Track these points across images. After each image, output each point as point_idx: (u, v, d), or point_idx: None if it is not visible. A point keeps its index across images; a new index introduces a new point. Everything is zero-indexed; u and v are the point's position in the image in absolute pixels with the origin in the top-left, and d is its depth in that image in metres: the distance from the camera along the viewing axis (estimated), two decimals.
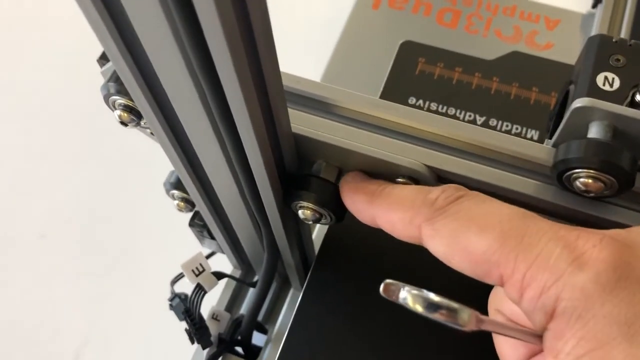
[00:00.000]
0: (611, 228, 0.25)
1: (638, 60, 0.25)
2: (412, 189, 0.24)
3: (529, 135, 0.42)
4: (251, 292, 0.41)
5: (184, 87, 0.20)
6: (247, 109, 0.20)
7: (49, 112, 0.69)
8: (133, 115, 0.26)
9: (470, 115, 0.43)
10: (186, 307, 0.33)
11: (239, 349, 0.38)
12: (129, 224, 0.62)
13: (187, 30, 0.17)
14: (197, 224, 0.37)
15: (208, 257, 0.35)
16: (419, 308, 0.20)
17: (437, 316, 0.20)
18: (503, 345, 0.25)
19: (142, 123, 0.26)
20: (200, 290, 0.33)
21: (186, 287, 0.34)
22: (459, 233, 0.21)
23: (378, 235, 0.26)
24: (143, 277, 0.59)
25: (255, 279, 0.42)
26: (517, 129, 0.42)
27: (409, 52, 0.46)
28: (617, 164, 0.22)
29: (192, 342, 0.34)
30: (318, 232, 0.40)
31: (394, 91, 0.44)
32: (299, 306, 0.34)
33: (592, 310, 0.18)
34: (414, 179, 0.26)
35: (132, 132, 0.29)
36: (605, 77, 0.24)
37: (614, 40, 0.25)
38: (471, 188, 0.26)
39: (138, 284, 0.59)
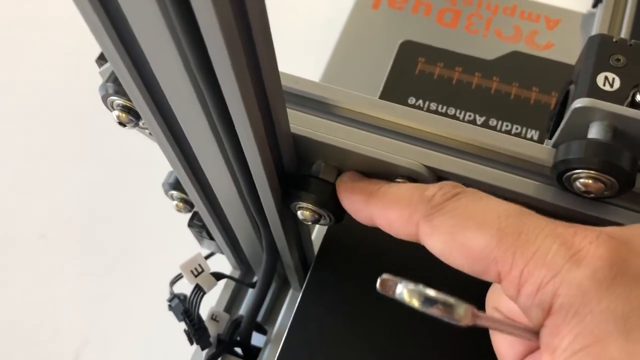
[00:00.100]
0: None
1: (638, 60, 0.25)
2: (409, 186, 0.24)
3: (529, 136, 0.42)
4: (250, 293, 0.41)
5: (182, 87, 0.20)
6: (246, 109, 0.20)
7: (49, 112, 0.69)
8: (131, 115, 0.26)
9: (470, 115, 0.43)
10: (185, 308, 0.33)
11: (238, 350, 0.38)
12: (129, 224, 0.62)
13: (184, 30, 0.17)
14: (196, 224, 0.36)
15: (207, 257, 0.35)
16: (415, 303, 0.20)
17: (433, 311, 0.20)
18: (500, 343, 0.26)
19: (140, 123, 0.26)
20: (199, 291, 0.33)
21: (185, 287, 0.34)
22: (456, 230, 0.22)
23: (377, 236, 0.26)
24: (143, 277, 0.59)
25: (255, 279, 0.41)
26: (517, 129, 0.42)
27: (408, 52, 0.46)
28: (617, 165, 0.22)
29: (191, 343, 0.34)
30: (317, 233, 0.40)
31: (394, 91, 0.44)
32: (298, 307, 0.34)
33: (588, 306, 0.18)
34: (413, 179, 0.26)
35: (132, 132, 0.29)
36: (606, 77, 0.24)
37: (614, 40, 0.25)
38: None
39: (138, 284, 0.59)
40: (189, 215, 0.37)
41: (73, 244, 0.62)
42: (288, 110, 0.24)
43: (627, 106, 0.23)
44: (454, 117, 0.43)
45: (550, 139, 0.26)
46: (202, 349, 0.35)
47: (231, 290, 0.41)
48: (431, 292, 0.20)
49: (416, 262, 0.29)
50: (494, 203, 0.22)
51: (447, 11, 0.49)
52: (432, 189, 0.23)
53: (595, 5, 0.47)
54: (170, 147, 0.25)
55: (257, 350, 0.39)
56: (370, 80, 0.46)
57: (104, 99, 0.26)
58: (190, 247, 0.39)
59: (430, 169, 0.26)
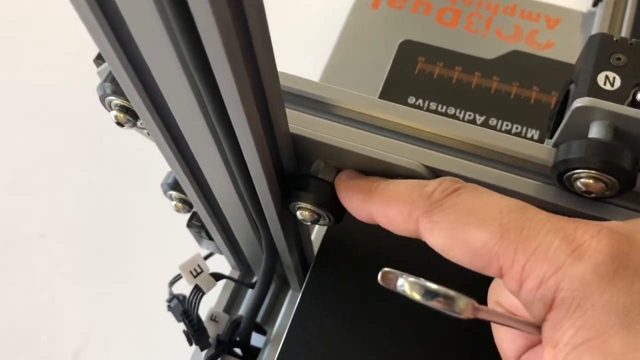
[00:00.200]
0: None
1: (639, 59, 0.24)
2: (408, 183, 0.24)
3: (529, 135, 0.42)
4: (250, 293, 0.41)
5: (180, 87, 0.20)
6: (244, 109, 0.20)
7: (49, 112, 0.68)
8: (129, 115, 0.25)
9: (470, 115, 0.43)
10: (184, 309, 0.33)
11: (238, 350, 0.38)
12: (129, 225, 0.62)
13: (182, 30, 0.17)
14: (195, 224, 0.36)
15: (206, 257, 0.35)
16: (416, 296, 0.20)
17: (434, 304, 0.20)
18: (502, 337, 0.26)
19: (138, 124, 0.26)
20: (198, 292, 0.33)
21: (185, 288, 0.34)
22: (457, 225, 0.21)
23: (377, 236, 0.26)
24: (143, 277, 0.59)
25: (254, 279, 0.41)
26: (517, 128, 0.42)
27: (408, 52, 0.46)
28: (618, 164, 0.22)
29: (190, 344, 0.34)
30: (317, 233, 0.40)
31: (394, 90, 0.44)
32: (297, 307, 0.34)
33: (590, 300, 0.19)
34: (413, 179, 0.26)
35: (131, 132, 0.29)
36: (606, 77, 0.24)
37: (614, 39, 0.25)
38: None
39: (138, 284, 0.59)
40: (188, 215, 0.37)
41: (73, 244, 0.62)
42: (287, 110, 0.24)
43: (627, 105, 0.23)
44: (453, 116, 0.43)
45: (551, 138, 0.26)
46: (202, 350, 0.35)
47: (230, 290, 0.41)
48: (432, 285, 0.20)
49: (416, 261, 0.29)
50: (494, 198, 0.22)
51: (447, 10, 0.49)
52: (432, 184, 0.23)
53: (595, 4, 0.47)
54: (168, 147, 0.24)
55: (257, 351, 0.39)
56: (369, 79, 0.46)
57: (102, 99, 0.26)
58: (190, 247, 0.39)
59: (429, 168, 0.25)
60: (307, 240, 0.36)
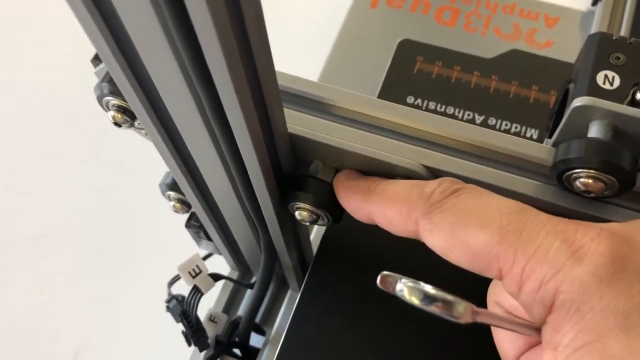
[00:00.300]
0: None
1: (638, 58, 0.24)
2: (408, 183, 0.24)
3: (528, 134, 0.42)
4: (249, 294, 0.41)
5: (177, 87, 0.20)
6: (242, 109, 0.19)
7: (48, 112, 0.68)
8: (127, 116, 0.25)
9: (469, 114, 0.43)
10: (183, 309, 0.33)
11: (237, 351, 0.38)
12: (129, 225, 0.62)
13: (179, 29, 0.17)
14: (194, 225, 0.36)
15: (205, 258, 0.35)
16: (415, 300, 0.20)
17: (432, 308, 0.20)
18: (501, 338, 0.26)
19: (136, 124, 0.26)
20: (197, 292, 0.33)
21: (184, 288, 0.34)
22: (457, 227, 0.21)
23: (376, 236, 0.26)
24: (142, 278, 0.59)
25: (253, 280, 0.41)
26: (516, 127, 0.42)
27: (407, 51, 0.46)
28: (617, 164, 0.22)
29: (189, 345, 0.34)
30: (316, 233, 0.40)
31: (392, 90, 0.44)
32: (296, 307, 0.34)
33: (590, 303, 0.19)
34: (412, 179, 0.26)
35: (131, 132, 0.29)
36: (606, 76, 0.24)
37: (614, 38, 0.25)
38: None
39: (138, 284, 0.59)
40: (186, 216, 0.37)
41: (73, 244, 0.62)
42: (285, 109, 0.24)
43: (627, 105, 0.23)
44: (452, 116, 0.43)
45: (550, 137, 0.26)
46: (200, 351, 0.34)
47: (229, 291, 0.41)
48: (431, 290, 0.20)
49: (415, 262, 0.29)
50: (494, 199, 0.22)
51: (446, 9, 0.49)
52: (431, 185, 0.23)
53: (594, 3, 0.47)
54: (166, 147, 0.24)
55: (256, 351, 0.39)
56: (368, 79, 0.45)
57: (99, 99, 0.25)
58: (190, 247, 0.39)
59: (429, 168, 0.25)
60: (306, 241, 0.36)
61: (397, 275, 0.21)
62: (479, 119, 0.43)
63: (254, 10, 0.17)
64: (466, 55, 0.46)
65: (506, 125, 0.42)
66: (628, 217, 0.24)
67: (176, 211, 0.34)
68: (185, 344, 0.35)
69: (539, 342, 0.23)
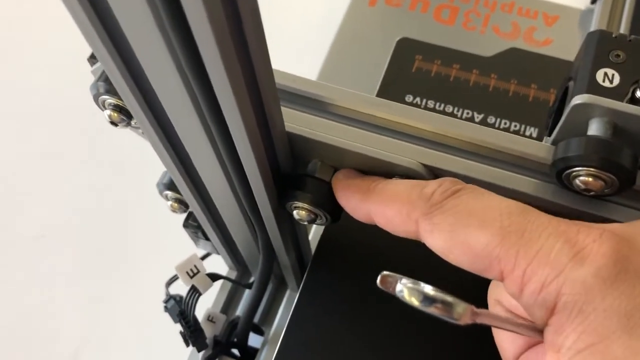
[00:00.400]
0: None
1: (638, 56, 0.24)
2: (408, 183, 0.24)
3: (527, 133, 0.42)
4: (247, 294, 0.41)
5: (173, 86, 0.19)
6: (238, 108, 0.19)
7: (48, 112, 0.68)
8: (123, 115, 0.25)
9: (468, 113, 0.43)
10: (181, 309, 0.33)
11: (235, 351, 0.37)
12: (129, 225, 0.62)
13: (175, 28, 0.16)
14: (192, 224, 0.36)
15: (203, 258, 0.35)
16: (414, 301, 0.20)
17: (432, 310, 0.20)
18: (502, 337, 0.26)
19: (132, 123, 0.26)
20: (194, 292, 0.33)
21: (182, 288, 0.34)
22: (457, 227, 0.21)
23: (374, 236, 0.26)
24: (143, 277, 0.59)
25: (251, 280, 0.41)
26: (515, 126, 0.42)
27: (405, 49, 0.46)
28: (617, 162, 0.22)
29: (187, 345, 0.34)
30: (314, 233, 0.40)
31: (391, 89, 0.44)
32: (295, 307, 0.34)
33: (592, 304, 0.18)
34: (411, 177, 0.26)
35: (130, 132, 0.29)
36: (605, 73, 0.24)
37: (613, 35, 0.25)
38: None
39: (138, 284, 0.58)
40: (184, 215, 0.37)
41: (72, 244, 0.61)
42: (283, 108, 0.24)
43: (627, 102, 0.23)
44: (451, 114, 0.43)
45: (549, 136, 0.26)
46: (199, 351, 0.34)
47: (228, 291, 0.40)
48: (430, 291, 0.20)
49: (414, 262, 0.29)
50: (495, 200, 0.22)
51: (445, 8, 0.49)
52: (432, 185, 0.23)
53: (593, 2, 0.47)
54: (163, 147, 0.24)
55: (255, 352, 0.39)
56: (367, 78, 0.45)
57: (96, 98, 0.25)
58: (191, 247, 0.39)
59: (428, 167, 0.25)
60: (305, 240, 0.35)
61: (397, 276, 0.21)
62: (478, 117, 0.42)
63: (250, 7, 0.17)
64: (465, 54, 0.45)
65: (505, 123, 0.42)
66: (628, 215, 0.24)
67: (174, 211, 0.34)
68: (184, 343, 0.34)
69: (539, 342, 0.23)
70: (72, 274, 0.60)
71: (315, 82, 0.27)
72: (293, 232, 0.33)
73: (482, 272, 0.21)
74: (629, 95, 0.24)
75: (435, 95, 0.44)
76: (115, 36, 0.19)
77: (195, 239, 0.38)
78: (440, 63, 0.45)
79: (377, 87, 0.44)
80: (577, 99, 0.23)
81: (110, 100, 0.25)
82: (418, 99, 0.44)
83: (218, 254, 0.39)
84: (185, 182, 0.27)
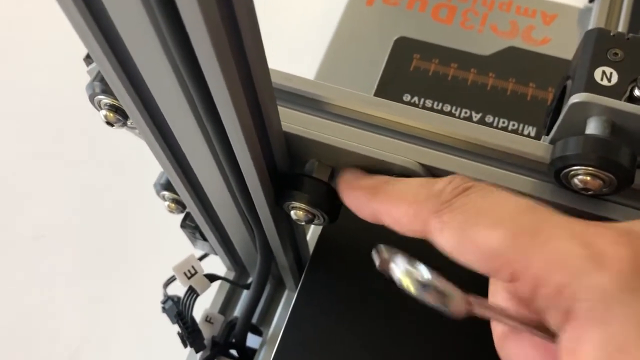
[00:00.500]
0: None
1: (636, 54, 0.24)
2: (415, 181, 0.23)
3: (525, 132, 0.41)
4: (245, 294, 0.41)
5: (169, 86, 0.19)
6: (234, 108, 0.19)
7: (48, 112, 0.68)
8: (119, 115, 0.25)
9: (466, 112, 0.43)
10: (178, 310, 0.33)
11: (234, 352, 0.37)
12: (129, 225, 0.62)
13: (170, 28, 0.16)
14: (189, 225, 0.36)
15: (201, 258, 0.35)
16: (410, 287, 0.20)
17: (425, 297, 0.20)
18: (510, 344, 0.24)
19: (128, 123, 0.26)
20: (192, 293, 0.33)
21: (181, 288, 0.34)
22: (468, 227, 0.20)
23: (372, 236, 0.26)
24: (143, 277, 0.59)
25: (249, 280, 0.41)
26: (513, 125, 0.42)
27: (403, 49, 0.46)
28: (615, 161, 0.22)
29: (185, 346, 0.34)
30: (312, 233, 0.40)
31: (389, 88, 0.44)
32: (293, 307, 0.33)
33: (611, 311, 0.17)
34: (409, 177, 0.25)
35: (129, 132, 0.29)
36: (603, 72, 0.24)
37: (611, 34, 0.25)
38: None
39: (138, 284, 0.58)
40: (181, 216, 0.37)
41: (72, 244, 0.62)
42: (280, 108, 0.24)
43: (625, 101, 0.23)
44: (449, 114, 0.42)
45: (548, 135, 0.26)
46: (197, 352, 0.34)
47: (226, 291, 0.40)
48: (424, 276, 0.20)
49: None
50: (506, 197, 0.21)
51: (443, 7, 0.49)
52: (441, 183, 0.22)
53: (592, 0, 0.47)
54: (159, 147, 0.24)
55: (253, 352, 0.39)
56: (364, 77, 0.45)
57: (91, 98, 0.25)
58: (189, 246, 0.39)
59: (425, 167, 0.25)
60: (302, 240, 0.35)
61: (394, 251, 0.20)
62: (476, 116, 0.42)
63: (246, 6, 0.17)
64: (463, 53, 0.45)
65: (503, 122, 0.42)
66: (627, 214, 0.24)
67: (171, 211, 0.34)
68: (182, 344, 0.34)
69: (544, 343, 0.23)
70: (72, 274, 0.60)
71: (312, 81, 0.27)
72: (291, 232, 0.33)
73: (493, 273, 0.20)
74: (627, 93, 0.23)
75: (433, 94, 0.43)
76: (110, 36, 0.19)
77: (192, 239, 0.38)
78: (438, 62, 0.45)
79: (375, 86, 0.44)
80: (575, 98, 0.23)
81: (106, 100, 0.25)
82: (416, 98, 0.43)
83: (216, 254, 0.39)
84: (182, 182, 0.27)
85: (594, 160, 0.22)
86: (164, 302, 0.34)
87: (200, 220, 0.32)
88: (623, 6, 0.43)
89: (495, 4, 0.49)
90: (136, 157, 0.62)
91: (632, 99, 0.23)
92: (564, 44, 0.46)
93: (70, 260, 0.61)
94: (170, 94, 0.20)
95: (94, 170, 0.65)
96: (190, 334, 0.33)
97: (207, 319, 0.36)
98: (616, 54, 0.24)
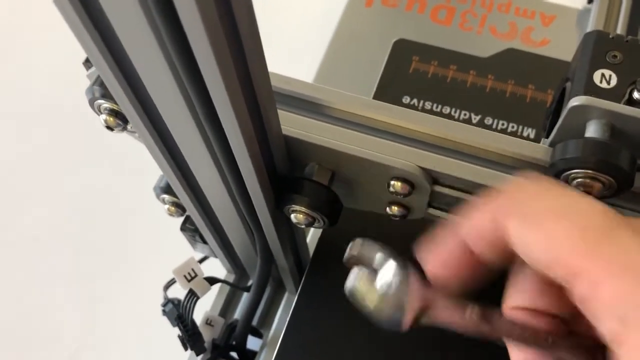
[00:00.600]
0: None
1: (635, 57, 0.24)
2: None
3: (525, 134, 0.41)
4: (245, 297, 0.41)
5: (168, 90, 0.19)
6: (234, 111, 0.19)
7: (48, 112, 0.68)
8: (119, 119, 0.25)
9: (465, 114, 0.43)
10: (179, 313, 0.33)
11: (234, 354, 0.37)
12: (129, 225, 0.62)
13: (169, 32, 0.16)
14: (189, 228, 0.36)
15: (201, 261, 0.35)
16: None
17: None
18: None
19: (128, 127, 0.26)
20: (192, 296, 0.33)
21: (181, 291, 0.33)
22: (545, 220, 0.19)
23: (372, 238, 0.26)
24: (142, 278, 0.58)
25: (250, 283, 0.41)
26: (513, 127, 0.42)
27: (402, 51, 0.46)
28: (615, 164, 0.22)
29: (185, 349, 0.34)
30: (312, 236, 0.40)
31: (388, 90, 0.44)
32: (293, 310, 0.33)
33: None
34: (408, 180, 0.25)
35: (127, 135, 0.29)
36: (602, 74, 0.24)
37: (610, 36, 0.25)
38: (467, 190, 0.26)
39: (138, 285, 0.58)
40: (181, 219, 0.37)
41: (70, 246, 0.62)
42: (279, 111, 0.24)
43: (624, 103, 0.23)
44: (449, 116, 0.42)
45: (547, 137, 0.26)
46: (197, 355, 0.34)
47: (226, 294, 0.40)
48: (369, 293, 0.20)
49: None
50: (581, 196, 0.20)
51: (442, 8, 0.49)
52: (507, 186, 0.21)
53: (590, 1, 0.47)
54: (159, 150, 0.24)
55: (253, 354, 0.39)
56: (364, 79, 0.45)
57: (91, 102, 0.25)
58: (189, 247, 0.39)
59: (425, 170, 0.25)
60: (302, 243, 0.35)
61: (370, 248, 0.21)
62: (475, 118, 0.42)
63: (245, 10, 0.17)
64: (462, 55, 0.45)
65: (503, 124, 0.42)
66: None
67: (171, 214, 0.34)
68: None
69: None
70: (72, 274, 0.60)
71: (312, 85, 0.27)
72: (291, 235, 0.33)
73: (552, 267, 0.19)
74: (627, 96, 0.23)
75: (433, 96, 0.43)
76: (109, 41, 0.19)
77: (192, 242, 0.38)
78: (438, 64, 0.45)
79: (374, 89, 0.44)
80: (575, 101, 0.23)
81: (105, 104, 0.25)
82: (415, 100, 0.43)
83: (216, 257, 0.39)
84: (182, 185, 0.27)
85: (594, 163, 0.22)
86: (164, 305, 0.34)
87: (200, 224, 0.32)
88: (622, 8, 0.43)
89: (494, 5, 0.49)
90: (136, 158, 0.62)
91: (631, 102, 0.23)
92: (563, 45, 0.46)
93: (70, 260, 0.61)
94: (169, 98, 0.20)
95: (94, 171, 0.65)
96: (190, 337, 0.33)
97: (208, 322, 0.36)
98: (615, 56, 0.24)
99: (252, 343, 0.39)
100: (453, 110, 0.43)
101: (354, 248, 0.21)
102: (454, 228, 0.22)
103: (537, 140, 0.40)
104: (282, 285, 0.41)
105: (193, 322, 0.33)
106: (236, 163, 0.23)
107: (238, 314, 0.41)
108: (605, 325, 0.18)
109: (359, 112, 0.26)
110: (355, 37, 0.48)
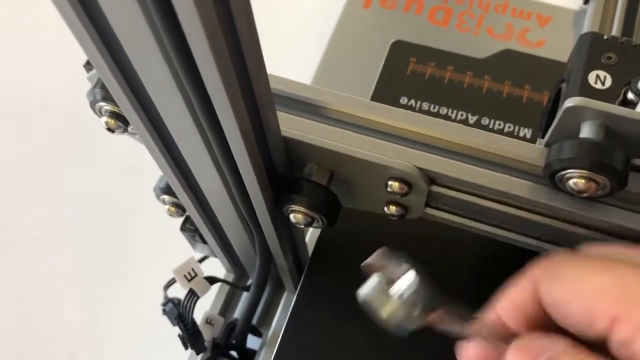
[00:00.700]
0: (604, 228, 0.25)
1: (629, 58, 0.25)
2: None
3: (521, 134, 0.42)
4: (245, 296, 0.41)
5: (169, 92, 0.20)
6: (233, 113, 0.19)
7: (48, 113, 0.68)
8: (120, 121, 0.25)
9: (462, 115, 0.43)
10: (179, 312, 0.33)
11: (234, 353, 0.38)
12: (129, 226, 0.62)
13: (169, 34, 0.17)
14: (189, 228, 0.36)
15: (201, 261, 0.35)
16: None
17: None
18: None
19: (129, 129, 0.26)
20: (192, 296, 0.33)
21: (181, 290, 0.34)
22: (577, 274, 0.20)
23: (371, 238, 0.26)
24: (142, 278, 0.59)
25: (249, 282, 0.41)
26: (509, 127, 0.42)
27: (400, 52, 0.46)
28: (609, 164, 0.22)
29: (186, 348, 0.34)
30: (311, 235, 0.40)
31: (386, 91, 0.44)
32: (293, 309, 0.34)
33: None
34: (406, 181, 0.26)
35: (128, 136, 0.29)
36: (597, 76, 0.24)
37: (605, 37, 0.25)
38: (464, 190, 0.26)
39: (138, 285, 0.58)
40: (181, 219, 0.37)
41: (70, 246, 0.62)
42: (278, 113, 0.24)
43: (618, 104, 0.23)
44: (446, 116, 0.43)
45: (543, 137, 0.26)
46: (197, 354, 0.34)
47: (225, 293, 0.41)
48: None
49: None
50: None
51: (439, 9, 0.49)
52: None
53: (586, 2, 0.47)
54: (159, 152, 0.24)
55: (253, 353, 0.39)
56: (361, 80, 0.46)
57: (92, 105, 0.25)
58: (189, 247, 0.39)
59: (422, 170, 0.25)
60: (301, 243, 0.36)
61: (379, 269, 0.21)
62: (472, 119, 0.43)
63: (244, 12, 0.17)
64: (459, 56, 0.46)
65: (499, 125, 0.42)
66: (621, 217, 0.24)
67: (171, 215, 0.34)
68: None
69: None
70: (72, 274, 0.60)
71: (311, 86, 0.27)
72: (290, 235, 0.33)
73: (593, 320, 0.19)
74: (621, 97, 0.24)
75: (430, 97, 0.44)
76: (109, 43, 0.19)
77: (192, 242, 0.39)
78: (435, 65, 0.45)
79: (372, 90, 0.44)
80: (570, 102, 0.23)
81: (107, 107, 0.25)
82: (413, 101, 0.44)
83: (215, 257, 0.39)
84: (181, 186, 0.27)
85: (588, 163, 0.22)
86: (164, 305, 0.34)
87: (200, 224, 0.32)
88: (617, 9, 0.43)
89: (490, 6, 0.49)
90: (137, 158, 0.62)
91: (625, 103, 0.24)
92: (559, 46, 0.47)
93: (69, 261, 0.61)
94: (169, 100, 0.20)
95: (94, 171, 0.65)
96: (191, 336, 0.33)
97: (208, 321, 0.36)
98: (610, 57, 0.25)
99: (252, 342, 0.39)
100: (450, 110, 0.43)
101: (379, 257, 0.21)
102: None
103: (533, 139, 0.41)
104: (281, 284, 0.41)
105: (193, 322, 0.33)
106: (236, 164, 0.23)
107: (238, 313, 0.41)
108: None
109: (357, 113, 0.27)
110: (353, 39, 0.49)
